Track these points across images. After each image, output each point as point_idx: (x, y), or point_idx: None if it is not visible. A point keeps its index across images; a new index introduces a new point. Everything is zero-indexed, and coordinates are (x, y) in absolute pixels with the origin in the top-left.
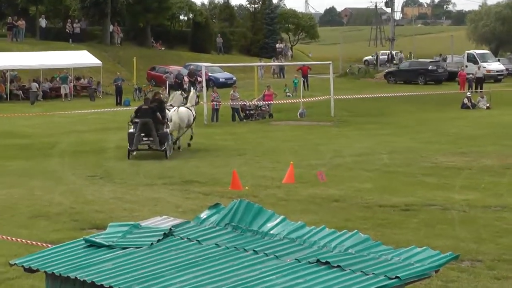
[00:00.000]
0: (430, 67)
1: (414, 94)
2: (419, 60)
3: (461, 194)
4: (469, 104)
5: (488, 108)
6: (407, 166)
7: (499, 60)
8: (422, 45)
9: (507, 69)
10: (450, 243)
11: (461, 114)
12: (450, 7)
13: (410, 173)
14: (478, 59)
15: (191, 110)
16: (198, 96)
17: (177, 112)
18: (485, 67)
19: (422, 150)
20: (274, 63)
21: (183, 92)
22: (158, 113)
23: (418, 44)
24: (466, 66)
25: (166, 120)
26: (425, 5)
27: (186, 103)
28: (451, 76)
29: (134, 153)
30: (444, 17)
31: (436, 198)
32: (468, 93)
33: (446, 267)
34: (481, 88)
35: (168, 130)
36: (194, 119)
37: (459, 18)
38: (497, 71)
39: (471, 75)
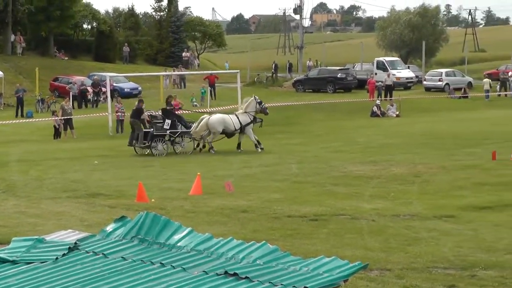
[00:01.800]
0: (339, 75)
1: (323, 102)
2: (328, 68)
3: (370, 203)
4: (378, 112)
5: (397, 116)
6: (317, 175)
7: (408, 68)
8: (332, 53)
9: (416, 77)
10: (359, 252)
11: (371, 122)
12: (360, 14)
13: (319, 182)
14: (387, 66)
15: (237, 117)
16: (260, 103)
17: (208, 118)
18: (394, 75)
19: (332, 159)
20: (175, 72)
21: (256, 97)
22: (144, 114)
23: (327, 51)
24: (376, 74)
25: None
26: (334, 11)
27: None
28: (361, 84)
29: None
30: (354, 24)
31: (345, 207)
32: (378, 101)
33: (355, 276)
34: (390, 96)
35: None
36: (245, 126)
37: (369, 24)
38: (407, 78)
39: (380, 82)
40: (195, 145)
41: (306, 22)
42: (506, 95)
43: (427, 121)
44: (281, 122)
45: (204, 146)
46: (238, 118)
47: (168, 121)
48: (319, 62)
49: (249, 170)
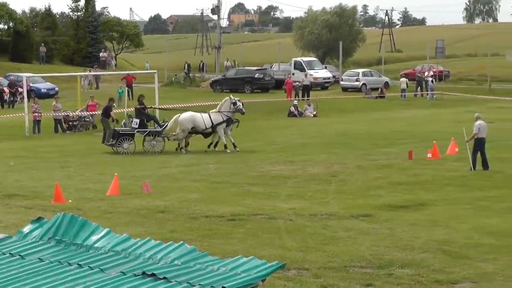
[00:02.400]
0: (256, 75)
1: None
2: (246, 68)
3: (287, 203)
4: (296, 112)
5: (315, 116)
6: (234, 175)
7: (326, 68)
8: (249, 53)
9: (334, 77)
10: (277, 252)
11: (288, 122)
12: (277, 14)
13: (237, 182)
14: (305, 66)
15: (209, 116)
16: (235, 103)
17: (176, 116)
18: (312, 75)
19: (249, 159)
20: (91, 72)
21: (231, 97)
22: (111, 112)
23: (245, 51)
24: (293, 74)
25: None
26: (252, 12)
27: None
28: (278, 84)
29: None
30: (271, 24)
31: (263, 207)
32: (295, 101)
33: (272, 276)
34: (308, 96)
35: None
36: (216, 125)
37: (287, 25)
38: (324, 78)
39: (298, 82)
40: (178, 146)
41: (224, 22)
42: (422, 95)
43: (344, 121)
44: None
45: (187, 144)
46: (210, 117)
47: (136, 120)
48: (236, 62)
49: (167, 170)
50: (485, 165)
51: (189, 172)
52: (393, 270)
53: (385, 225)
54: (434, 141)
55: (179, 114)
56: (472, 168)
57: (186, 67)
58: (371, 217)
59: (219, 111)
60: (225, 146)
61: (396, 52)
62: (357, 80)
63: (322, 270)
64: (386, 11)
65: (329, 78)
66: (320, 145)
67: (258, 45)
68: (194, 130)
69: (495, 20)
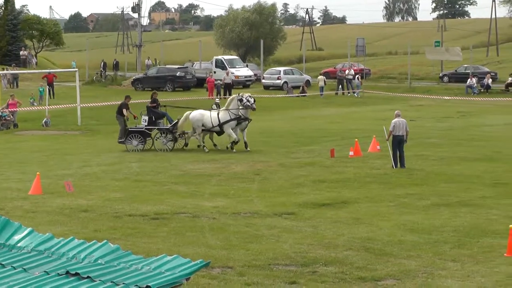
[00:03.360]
0: (178, 74)
1: (162, 101)
2: (167, 66)
3: (211, 201)
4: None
5: None
6: (157, 174)
7: (247, 66)
8: (171, 51)
9: (255, 75)
10: (201, 250)
11: None
12: (198, 12)
13: (160, 181)
14: (226, 65)
15: (217, 115)
16: (241, 100)
17: (188, 113)
18: (233, 73)
19: (172, 158)
20: (9, 71)
21: (238, 94)
22: (124, 109)
23: (166, 50)
24: (215, 72)
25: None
26: (173, 10)
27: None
28: (200, 82)
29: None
30: (192, 22)
31: (186, 206)
32: (217, 99)
33: (197, 274)
34: (229, 94)
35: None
36: (223, 124)
37: (208, 23)
38: (246, 76)
39: (219, 81)
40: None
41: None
42: (343, 93)
43: (266, 119)
44: None
45: (186, 145)
46: (217, 115)
47: (145, 118)
48: (158, 61)
49: (89, 169)
50: (401, 163)
51: (111, 171)
52: (317, 268)
53: (308, 223)
54: (356, 139)
55: (190, 111)
56: (394, 166)
57: (102, 66)
58: (294, 215)
59: (226, 109)
60: (232, 144)
61: (317, 50)
62: (278, 78)
63: (246, 268)
64: (307, 9)
65: (250, 77)
66: (243, 144)
67: (179, 44)
68: (205, 128)
69: (415, 18)
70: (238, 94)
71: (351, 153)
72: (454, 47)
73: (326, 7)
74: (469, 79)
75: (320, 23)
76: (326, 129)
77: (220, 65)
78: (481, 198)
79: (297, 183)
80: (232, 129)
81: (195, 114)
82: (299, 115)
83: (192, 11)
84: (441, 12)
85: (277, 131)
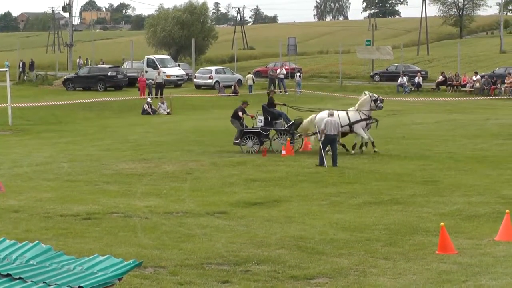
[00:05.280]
0: (109, 73)
1: (94, 100)
2: (99, 66)
3: (143, 200)
4: (149, 110)
5: (168, 113)
6: (88, 174)
7: (179, 65)
8: (102, 51)
9: (187, 74)
10: (133, 250)
11: (142, 120)
12: (129, 12)
13: (91, 181)
14: (158, 64)
15: (347, 114)
16: (376, 100)
17: (313, 116)
18: (165, 72)
19: (103, 158)
20: None
21: (370, 94)
22: (239, 112)
23: (97, 49)
24: (146, 72)
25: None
26: (104, 9)
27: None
28: (131, 82)
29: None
30: (123, 21)
31: (118, 205)
32: (149, 98)
33: (129, 274)
34: (161, 94)
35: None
36: (353, 124)
37: (139, 22)
38: (177, 76)
39: (151, 80)
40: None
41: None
42: (275, 92)
43: (198, 119)
44: (51, 121)
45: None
46: (347, 114)
47: (260, 118)
48: (89, 60)
49: (19, 169)
50: (334, 162)
51: (42, 171)
52: (250, 267)
53: (241, 222)
54: (288, 138)
55: (315, 114)
56: (322, 164)
57: (21, 66)
58: (226, 214)
59: (357, 110)
60: (361, 146)
61: (248, 49)
62: (210, 78)
63: (179, 267)
64: (238, 8)
65: (182, 76)
66: (175, 143)
67: (110, 43)
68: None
69: (346, 17)
70: (371, 94)
71: (283, 152)
72: (385, 46)
73: (257, 6)
74: (400, 78)
75: (252, 22)
76: None
77: (151, 64)
78: (412, 196)
79: (229, 182)
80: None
81: (323, 114)
82: (231, 114)
83: (123, 11)
84: (372, 11)
85: (209, 130)
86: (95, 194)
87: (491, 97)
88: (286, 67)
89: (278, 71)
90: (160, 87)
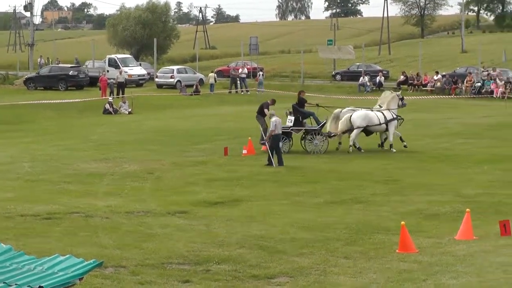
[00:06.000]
0: (71, 72)
1: (55, 102)
2: (60, 65)
3: (104, 200)
4: (111, 109)
5: (130, 113)
6: (50, 174)
7: (140, 65)
8: (63, 50)
9: (148, 74)
10: (94, 250)
11: (103, 120)
12: (91, 11)
13: (52, 181)
14: (119, 63)
15: (383, 113)
16: (402, 99)
17: (348, 116)
18: (126, 72)
19: (65, 157)
20: None
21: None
22: (265, 109)
23: (59, 49)
24: (108, 71)
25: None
26: (66, 9)
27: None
28: (93, 81)
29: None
30: (85, 21)
31: (79, 205)
32: (110, 98)
33: (90, 274)
34: (123, 93)
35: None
36: (387, 122)
37: (100, 22)
38: (139, 75)
39: (112, 80)
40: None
41: (37, 20)
42: (236, 91)
43: (160, 118)
44: (12, 120)
45: (340, 143)
46: (383, 113)
47: (290, 118)
48: (50, 60)
49: None
50: (280, 162)
51: (3, 171)
52: (210, 266)
53: (202, 222)
54: (249, 138)
55: (350, 113)
56: (274, 164)
57: None
58: (187, 214)
59: (388, 109)
60: (391, 146)
61: (210, 49)
62: (172, 77)
63: (140, 267)
64: (200, 8)
65: (143, 75)
66: (136, 142)
67: (72, 42)
68: (365, 129)
69: (308, 17)
70: (398, 93)
71: (244, 151)
72: (347, 45)
73: (219, 5)
74: (361, 78)
75: (214, 21)
76: (220, 128)
77: (113, 64)
78: (373, 195)
79: (190, 181)
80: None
81: (360, 113)
82: (193, 114)
83: (85, 10)
84: (334, 10)
85: (171, 130)
86: (56, 194)
87: (452, 97)
88: (248, 66)
89: (240, 70)
90: (121, 86)
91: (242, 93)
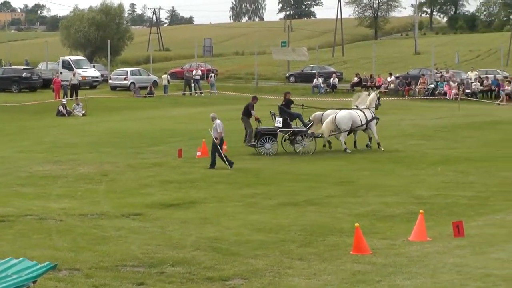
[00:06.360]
0: (24, 74)
1: (8, 104)
2: (13, 67)
3: (57, 202)
4: (64, 111)
5: (84, 115)
6: (2, 176)
7: (94, 66)
8: (17, 52)
9: (102, 75)
10: (48, 253)
11: (57, 122)
12: (45, 13)
13: (5, 183)
14: (73, 65)
15: (364, 113)
16: (379, 98)
17: (332, 117)
18: (80, 74)
19: (18, 160)
20: None
21: (369, 93)
22: (252, 111)
23: (12, 51)
24: (61, 73)
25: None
26: (19, 10)
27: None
28: (46, 83)
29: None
30: (39, 22)
31: (32, 208)
32: (64, 100)
33: (44, 277)
34: (76, 95)
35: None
36: (368, 122)
37: (54, 23)
38: (93, 77)
39: (66, 81)
40: (323, 145)
41: None
42: (190, 93)
43: (114, 120)
44: None
45: (329, 143)
46: (364, 113)
47: (279, 119)
48: (3, 62)
49: None
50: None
51: None
52: (165, 269)
53: (156, 224)
54: (203, 139)
55: (334, 114)
56: (230, 166)
57: None
58: (142, 216)
59: (368, 108)
60: (379, 144)
61: (164, 50)
62: (125, 79)
63: (94, 270)
64: (154, 9)
65: (97, 77)
66: (90, 145)
67: (25, 44)
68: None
69: (262, 19)
70: (376, 92)
71: (198, 153)
72: (301, 47)
73: (173, 7)
74: (315, 79)
75: (168, 23)
76: (174, 130)
77: (66, 65)
78: (328, 197)
79: (144, 183)
80: None
81: (343, 114)
82: (147, 116)
83: (38, 11)
84: (288, 12)
85: (125, 132)
86: (9, 197)
87: (406, 98)
88: (202, 68)
89: (194, 72)
90: (75, 88)
91: (196, 95)
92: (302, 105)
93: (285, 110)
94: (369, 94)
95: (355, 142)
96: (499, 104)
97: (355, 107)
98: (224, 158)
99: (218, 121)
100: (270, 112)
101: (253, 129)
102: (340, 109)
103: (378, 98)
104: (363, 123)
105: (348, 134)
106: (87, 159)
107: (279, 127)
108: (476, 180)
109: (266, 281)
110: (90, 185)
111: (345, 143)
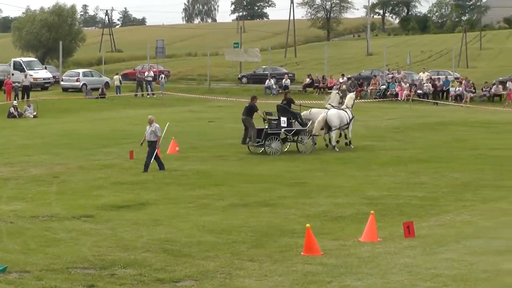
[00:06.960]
0: None
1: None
2: None
3: (8, 204)
4: (15, 113)
5: (35, 116)
6: None
7: (46, 68)
8: None
9: (54, 77)
10: None
11: (8, 124)
12: None
13: None
14: (24, 67)
15: (346, 112)
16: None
17: (324, 115)
18: (32, 75)
19: None
20: None
21: (339, 92)
22: (258, 110)
23: None
24: (13, 74)
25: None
26: None
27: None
28: None
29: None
30: None
31: None
32: (15, 101)
33: None
34: (28, 97)
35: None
36: (350, 121)
37: (6, 24)
38: (44, 79)
39: (17, 83)
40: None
41: None
42: (142, 94)
43: (66, 122)
44: None
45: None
46: (347, 112)
47: (284, 119)
48: None
49: None
50: (149, 167)
51: None
52: (116, 270)
53: (107, 225)
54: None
55: (324, 113)
56: (160, 169)
57: None
58: (93, 218)
59: (348, 107)
60: (350, 142)
61: (116, 52)
62: (77, 81)
63: (44, 272)
64: (106, 10)
65: (49, 79)
66: (41, 146)
67: None
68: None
69: (214, 20)
70: (338, 92)
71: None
72: (253, 48)
73: (125, 8)
74: (267, 80)
75: (120, 24)
76: (126, 131)
77: (18, 67)
78: (280, 198)
79: (96, 185)
80: None
81: (334, 112)
82: (99, 117)
83: None
84: (241, 13)
85: (77, 133)
86: None
87: (357, 100)
88: (154, 69)
89: (146, 73)
90: (26, 89)
91: (148, 96)
92: (300, 104)
93: (288, 109)
94: (338, 93)
95: (350, 141)
96: (461, 106)
97: (330, 106)
98: (160, 160)
99: (157, 125)
100: (264, 112)
101: (256, 129)
102: (329, 108)
103: (354, 99)
104: (348, 122)
105: (329, 131)
106: (39, 160)
107: (284, 127)
108: (427, 180)
109: (217, 283)
110: (41, 187)
111: (336, 141)
